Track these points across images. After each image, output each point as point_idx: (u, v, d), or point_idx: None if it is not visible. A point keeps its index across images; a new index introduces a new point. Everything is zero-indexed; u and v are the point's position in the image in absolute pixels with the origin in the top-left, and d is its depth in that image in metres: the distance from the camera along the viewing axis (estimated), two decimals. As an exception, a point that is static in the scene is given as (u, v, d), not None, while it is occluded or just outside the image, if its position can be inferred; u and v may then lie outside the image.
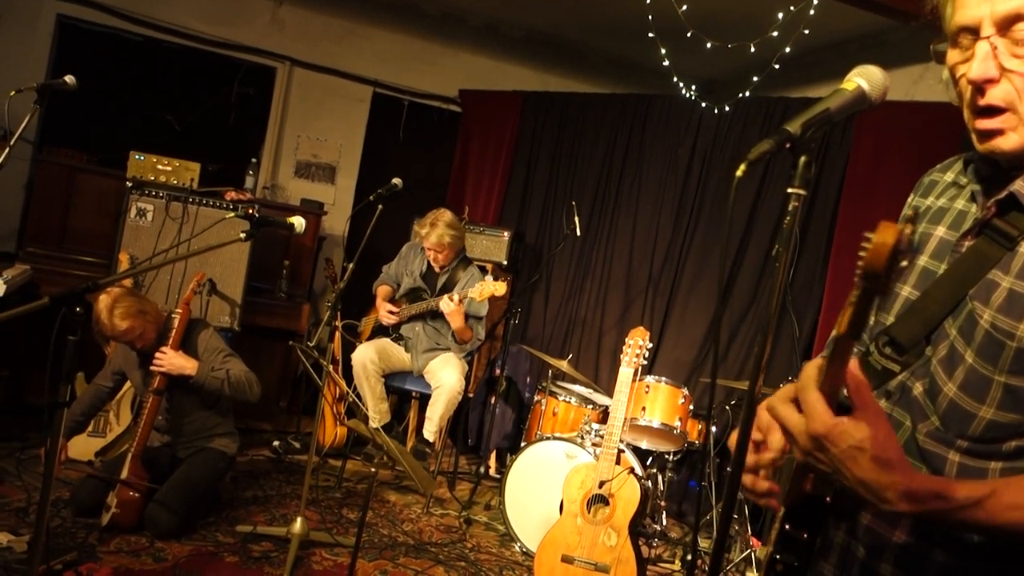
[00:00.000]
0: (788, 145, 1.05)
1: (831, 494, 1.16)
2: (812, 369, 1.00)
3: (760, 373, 1.05)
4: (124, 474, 3.22)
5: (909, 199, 1.33)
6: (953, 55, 1.10)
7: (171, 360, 3.33)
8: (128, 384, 3.83)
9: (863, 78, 1.09)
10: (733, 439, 1.11)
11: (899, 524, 1.10)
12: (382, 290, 4.80)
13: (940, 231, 1.18)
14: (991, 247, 1.07)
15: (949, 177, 1.26)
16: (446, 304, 4.29)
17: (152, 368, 3.36)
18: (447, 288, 4.55)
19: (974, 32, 1.05)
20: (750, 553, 3.65)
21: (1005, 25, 1.01)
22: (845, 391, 0.98)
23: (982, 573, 1.04)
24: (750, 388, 1.06)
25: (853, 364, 0.98)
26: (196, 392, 3.47)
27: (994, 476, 1.02)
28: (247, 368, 3.51)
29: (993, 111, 1.05)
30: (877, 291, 0.84)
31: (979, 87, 1.05)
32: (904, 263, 0.82)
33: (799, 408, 1.01)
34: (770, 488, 1.15)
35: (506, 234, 5.41)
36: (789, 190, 1.07)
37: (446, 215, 4.48)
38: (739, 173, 1.04)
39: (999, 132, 1.05)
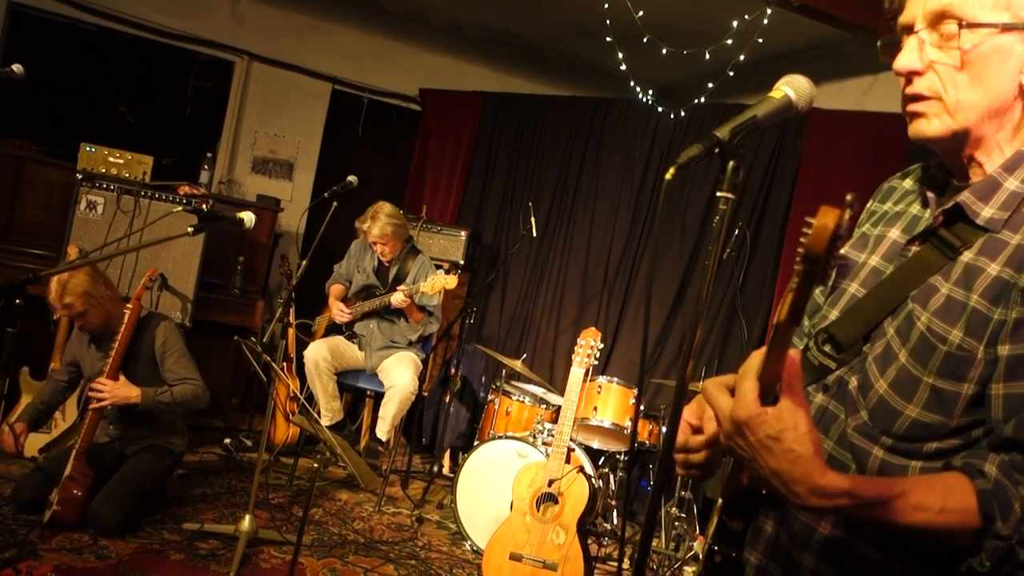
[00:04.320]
0: (717, 150, 1.08)
1: (767, 487, 1.20)
2: (756, 358, 1.03)
3: (687, 366, 1.09)
4: (68, 471, 3.16)
5: (868, 204, 1.37)
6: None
7: (112, 392, 3.27)
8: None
9: (790, 87, 1.13)
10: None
11: (825, 517, 1.13)
12: (334, 289, 4.78)
13: (894, 233, 1.22)
14: (935, 255, 1.11)
15: (908, 184, 1.30)
16: (398, 299, 4.32)
17: (90, 396, 3.29)
18: (399, 280, 4.56)
19: (911, 30, 1.11)
20: (698, 553, 3.70)
21: (934, 21, 1.08)
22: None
23: (901, 568, 1.07)
24: (679, 381, 1.10)
25: (795, 355, 1.00)
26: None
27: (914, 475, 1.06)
28: (198, 375, 3.49)
29: (919, 98, 1.11)
30: (817, 274, 0.85)
31: (907, 78, 1.11)
32: (842, 248, 0.84)
33: (733, 395, 1.03)
34: (697, 464, 1.20)
35: (463, 233, 5.41)
36: (718, 193, 1.10)
37: (385, 206, 4.49)
38: (668, 176, 1.07)
39: (922, 115, 1.11)
